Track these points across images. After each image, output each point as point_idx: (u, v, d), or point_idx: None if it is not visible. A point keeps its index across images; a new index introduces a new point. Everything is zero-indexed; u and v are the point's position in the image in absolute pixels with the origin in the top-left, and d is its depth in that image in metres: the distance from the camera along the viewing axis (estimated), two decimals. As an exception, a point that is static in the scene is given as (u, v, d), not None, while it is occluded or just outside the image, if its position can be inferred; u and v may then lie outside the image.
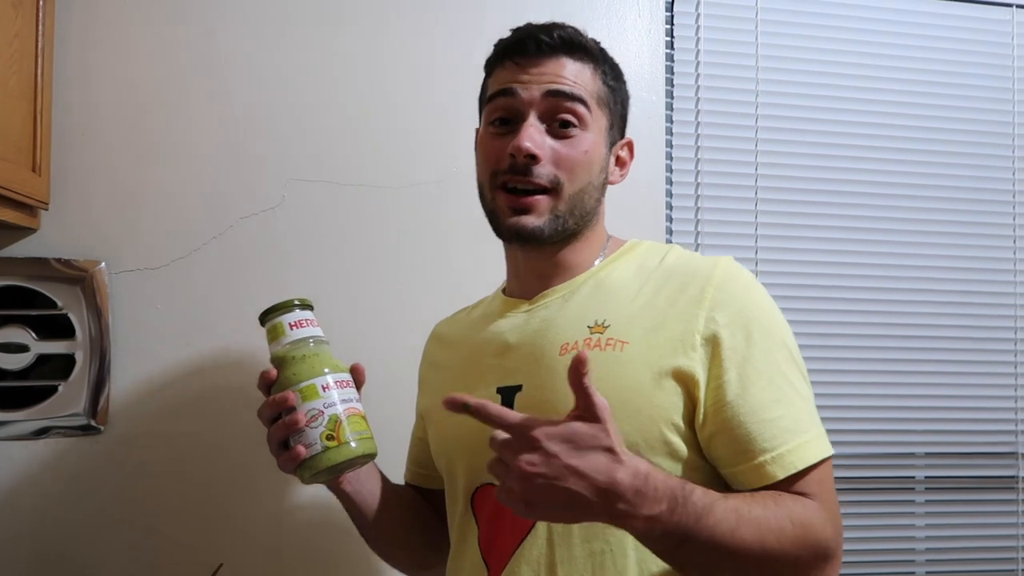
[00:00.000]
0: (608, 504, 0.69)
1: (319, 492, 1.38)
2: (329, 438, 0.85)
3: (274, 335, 0.92)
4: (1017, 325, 1.69)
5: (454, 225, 1.45)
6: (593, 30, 1.51)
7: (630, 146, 1.02)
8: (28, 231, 1.32)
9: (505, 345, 0.94)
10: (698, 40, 1.60)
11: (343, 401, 0.89)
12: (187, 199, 1.39)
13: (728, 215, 1.60)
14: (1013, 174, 1.70)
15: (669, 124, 1.58)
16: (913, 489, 1.66)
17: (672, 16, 1.60)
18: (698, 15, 1.60)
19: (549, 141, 0.91)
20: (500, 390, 0.91)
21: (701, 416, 0.84)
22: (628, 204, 1.39)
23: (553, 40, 0.92)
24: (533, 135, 0.90)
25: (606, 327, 0.88)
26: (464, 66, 1.47)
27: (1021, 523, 1.68)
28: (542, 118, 0.91)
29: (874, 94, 1.65)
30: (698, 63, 1.60)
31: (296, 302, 0.94)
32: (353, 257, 1.43)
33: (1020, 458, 1.68)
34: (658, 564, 0.81)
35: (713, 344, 0.84)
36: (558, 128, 0.91)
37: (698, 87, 1.60)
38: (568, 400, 0.75)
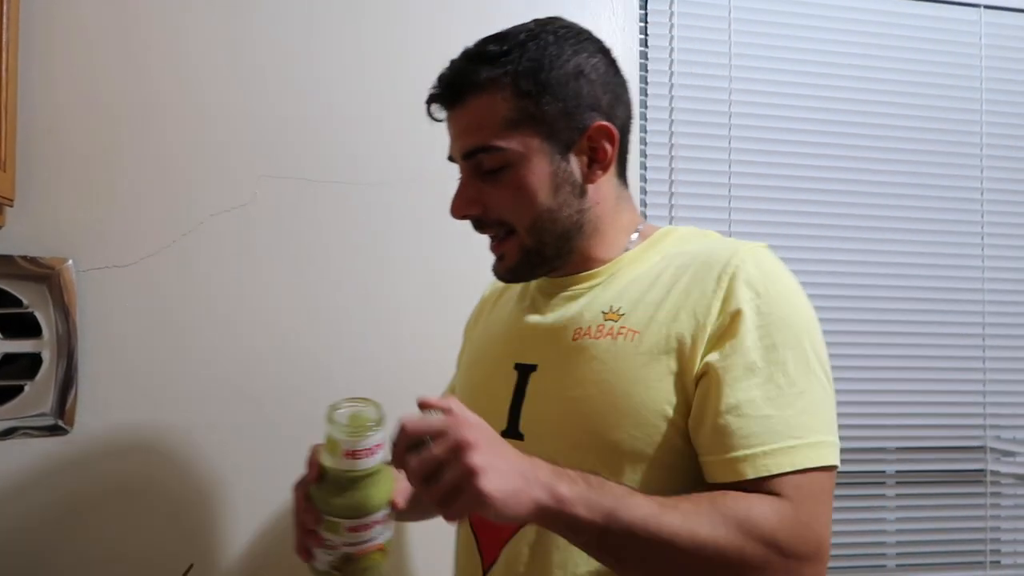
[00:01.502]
0: (535, 474, 0.72)
1: (289, 495, 1.38)
2: (335, 568, 0.82)
3: (331, 447, 0.79)
4: (985, 321, 1.72)
5: (427, 222, 1.45)
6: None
7: (602, 131, 0.89)
8: (-7, 228, 1.29)
9: (531, 324, 0.95)
10: (672, 38, 1.61)
11: (365, 541, 0.81)
12: (156, 196, 1.37)
13: (701, 212, 1.61)
14: (981, 172, 1.73)
15: (643, 121, 1.59)
16: (884, 483, 1.69)
17: (646, 14, 1.60)
18: (672, 13, 1.61)
19: (486, 188, 0.91)
20: (517, 366, 0.94)
21: (694, 403, 0.81)
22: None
23: (450, 90, 0.91)
24: (460, 198, 0.92)
25: (620, 315, 0.87)
26: (438, 62, 1.47)
27: (989, 515, 1.71)
28: (473, 173, 0.92)
29: (844, 92, 1.67)
30: (672, 60, 1.61)
31: (370, 423, 0.80)
32: (325, 254, 1.42)
33: (988, 452, 1.71)
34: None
35: (721, 335, 0.81)
36: (488, 175, 0.90)
37: (672, 84, 1.60)
38: (573, 387, 0.86)
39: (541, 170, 0.88)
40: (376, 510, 0.80)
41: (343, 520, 0.80)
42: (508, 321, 1.01)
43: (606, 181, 0.93)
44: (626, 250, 0.94)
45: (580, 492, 0.72)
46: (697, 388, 0.81)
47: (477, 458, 0.68)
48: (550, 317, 0.93)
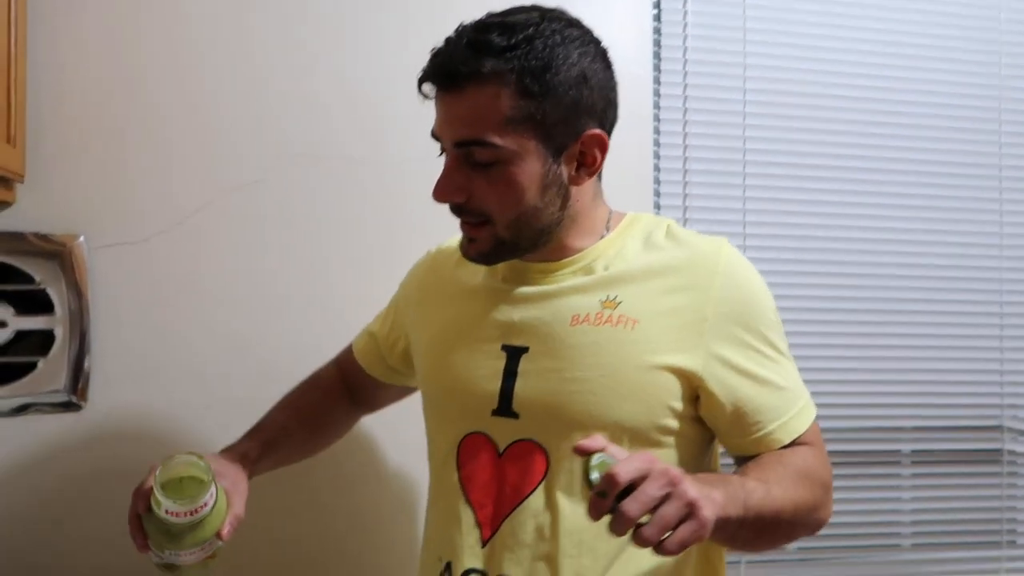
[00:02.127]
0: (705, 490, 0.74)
1: (301, 475, 1.38)
2: (165, 568, 0.91)
3: (156, 502, 0.85)
4: (1003, 300, 1.70)
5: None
6: (579, 5, 1.52)
7: (595, 139, 0.90)
8: (3, 204, 1.29)
9: (514, 305, 0.96)
10: (685, 14, 1.59)
11: (189, 559, 0.90)
12: (169, 171, 1.36)
13: (716, 189, 1.59)
14: (999, 148, 1.71)
15: (657, 98, 1.57)
16: (900, 463, 1.68)
17: (659, -3, 1.58)
18: (685, -7, 1.59)
19: (474, 176, 0.89)
20: (505, 348, 0.94)
21: (711, 401, 0.90)
22: (616, 179, 1.38)
23: (449, 75, 0.87)
24: (446, 183, 0.90)
25: (618, 303, 0.91)
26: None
27: (1005, 495, 1.70)
28: (462, 160, 0.90)
29: (861, 68, 1.65)
30: (686, 36, 1.59)
31: (194, 491, 0.87)
32: (337, 232, 1.41)
33: (1005, 431, 1.70)
34: None
35: (720, 329, 0.89)
36: (477, 166, 0.88)
37: (686, 60, 1.59)
38: (573, 369, 0.89)
39: (532, 170, 0.88)
40: (198, 546, 0.88)
41: (168, 550, 0.88)
42: (483, 301, 0.99)
43: (589, 182, 0.95)
44: (601, 237, 0.97)
45: (723, 493, 0.75)
46: (706, 380, 0.88)
47: (692, 490, 0.70)
48: (537, 301, 0.95)
